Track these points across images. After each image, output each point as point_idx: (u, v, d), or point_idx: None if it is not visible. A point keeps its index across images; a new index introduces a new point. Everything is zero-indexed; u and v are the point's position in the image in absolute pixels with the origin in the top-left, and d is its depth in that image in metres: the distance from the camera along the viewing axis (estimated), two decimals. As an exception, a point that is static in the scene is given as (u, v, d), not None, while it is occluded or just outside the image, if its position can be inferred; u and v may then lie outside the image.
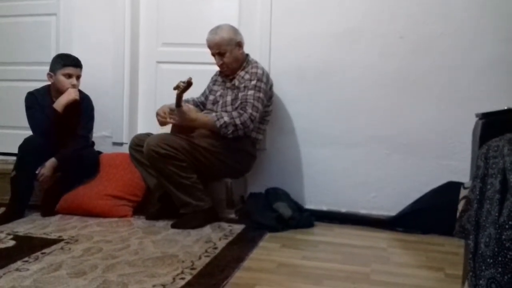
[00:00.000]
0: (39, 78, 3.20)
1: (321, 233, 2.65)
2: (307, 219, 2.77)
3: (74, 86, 2.93)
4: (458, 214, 2.31)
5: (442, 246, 2.45)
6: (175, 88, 2.48)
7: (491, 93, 2.77)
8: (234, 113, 2.66)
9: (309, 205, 3.05)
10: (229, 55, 2.82)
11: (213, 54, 2.86)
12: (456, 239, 2.28)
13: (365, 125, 2.99)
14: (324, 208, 3.02)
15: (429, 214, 2.67)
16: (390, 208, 2.88)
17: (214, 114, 2.71)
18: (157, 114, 2.82)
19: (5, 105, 3.65)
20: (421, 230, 2.66)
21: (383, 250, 2.39)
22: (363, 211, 2.98)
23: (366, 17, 2.97)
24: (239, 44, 2.86)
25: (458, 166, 2.78)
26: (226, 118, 2.63)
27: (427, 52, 2.89)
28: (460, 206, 2.38)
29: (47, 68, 2.97)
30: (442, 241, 2.51)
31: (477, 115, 2.34)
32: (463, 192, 2.43)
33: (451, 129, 2.85)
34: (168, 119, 2.73)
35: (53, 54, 3.16)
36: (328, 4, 3.03)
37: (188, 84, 2.45)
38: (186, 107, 2.61)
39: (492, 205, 1.43)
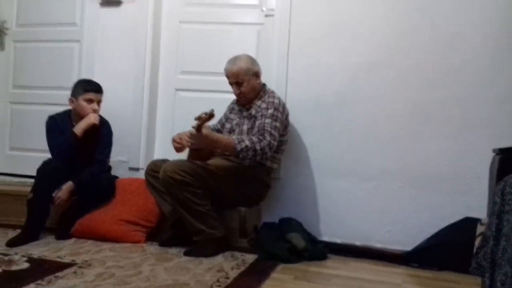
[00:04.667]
0: (60, 102, 3.27)
1: (335, 266, 2.61)
2: (320, 251, 2.73)
3: (95, 111, 2.99)
4: (474, 250, 2.28)
5: (458, 284, 2.39)
6: (196, 119, 2.50)
7: (509, 128, 2.74)
8: (254, 138, 2.67)
9: (323, 237, 3.02)
10: (247, 84, 2.86)
11: (230, 83, 2.90)
12: (473, 277, 2.25)
13: (380, 157, 2.98)
14: (338, 240, 2.99)
15: (445, 250, 2.62)
16: (405, 242, 2.83)
17: (234, 137, 2.72)
18: (173, 140, 2.84)
19: (26, 128, 3.72)
20: (437, 266, 2.61)
21: (398, 286, 2.34)
22: (378, 245, 2.94)
23: (382, 49, 3.00)
24: (257, 74, 2.90)
25: (475, 202, 2.75)
26: (247, 142, 2.63)
27: (443, 85, 2.89)
28: (477, 242, 2.34)
29: (68, 92, 3.04)
30: (458, 278, 2.46)
31: (494, 151, 2.33)
32: (480, 228, 2.40)
33: (468, 164, 2.83)
34: (185, 144, 2.74)
35: (75, 79, 3.24)
36: (344, 36, 3.07)
37: (210, 116, 2.47)
38: (206, 130, 2.61)
39: (509, 242, 1.41)
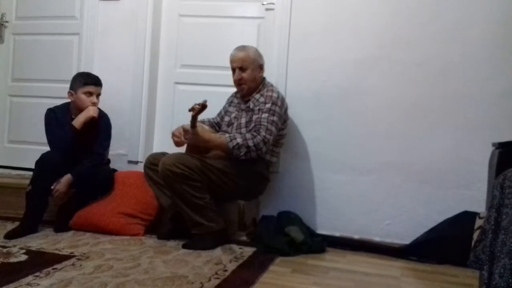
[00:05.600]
0: (60, 95, 3.26)
1: (333, 260, 2.61)
2: (319, 244, 2.74)
3: (94, 104, 2.98)
4: (473, 244, 2.28)
5: (456, 277, 2.40)
6: (190, 110, 2.51)
7: (508, 123, 2.74)
8: (248, 135, 2.68)
9: (321, 230, 3.02)
10: (250, 72, 2.86)
11: (233, 69, 2.88)
12: (471, 270, 2.26)
13: (379, 151, 2.98)
14: (337, 234, 2.99)
15: (443, 244, 2.62)
16: (404, 236, 2.84)
17: (227, 135, 2.72)
18: (173, 135, 2.85)
19: (25, 121, 3.72)
20: (435, 259, 2.61)
21: (396, 279, 2.34)
22: (376, 238, 2.95)
23: (383, 44, 2.99)
24: (261, 67, 2.92)
25: (474, 196, 2.75)
26: (239, 140, 2.64)
27: (444, 80, 2.89)
28: (475, 236, 2.34)
29: (68, 85, 3.03)
30: (457, 271, 2.46)
31: (493, 145, 2.33)
32: (478, 222, 2.40)
33: (467, 158, 2.82)
34: (182, 139, 2.76)
35: (74, 72, 3.23)
36: (345, 31, 3.06)
37: (203, 106, 2.48)
38: (201, 128, 2.63)
39: (507, 236, 1.40)
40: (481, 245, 1.65)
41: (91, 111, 2.95)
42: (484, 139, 2.66)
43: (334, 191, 3.05)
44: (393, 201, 2.95)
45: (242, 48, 2.90)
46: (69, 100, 3.04)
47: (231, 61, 2.89)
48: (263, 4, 3.31)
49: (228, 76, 3.18)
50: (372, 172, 2.99)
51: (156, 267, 2.25)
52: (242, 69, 2.85)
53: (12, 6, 3.79)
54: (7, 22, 3.80)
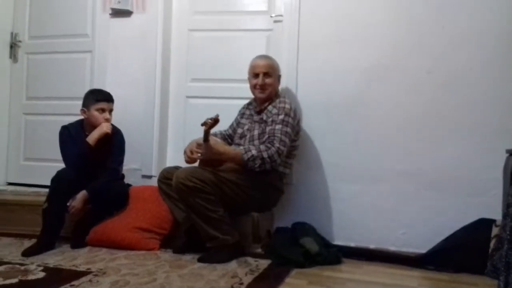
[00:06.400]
0: (73, 112, 3.30)
1: (349, 270, 2.60)
2: (334, 255, 2.72)
3: (107, 120, 3.02)
4: (490, 252, 2.25)
5: (475, 286, 2.36)
6: (202, 124, 2.53)
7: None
8: (262, 147, 2.69)
9: (336, 241, 3.00)
10: (273, 79, 2.91)
11: (257, 74, 2.90)
12: (489, 279, 2.22)
13: (393, 160, 2.96)
14: (352, 244, 2.97)
15: (460, 252, 2.58)
16: (420, 245, 2.81)
17: (241, 147, 2.73)
18: (184, 152, 2.87)
19: (40, 138, 3.77)
20: (453, 268, 2.57)
21: (413, 289, 2.33)
22: (392, 248, 2.92)
23: (394, 52, 2.99)
24: (279, 79, 2.98)
25: (490, 203, 2.71)
26: (253, 152, 2.65)
27: (456, 87, 2.87)
28: (492, 244, 2.31)
29: (81, 102, 3.06)
30: (475, 280, 2.43)
31: (507, 151, 2.31)
32: (494, 230, 2.38)
33: (482, 165, 2.79)
34: (194, 154, 2.77)
35: (87, 89, 3.25)
36: (354, 40, 3.06)
37: (215, 121, 2.50)
38: (213, 141, 2.65)
39: (525, 245, 1.39)
40: (498, 253, 1.63)
41: (104, 128, 2.98)
42: (498, 146, 2.63)
43: (348, 201, 3.04)
44: (407, 210, 2.92)
45: (266, 56, 2.99)
46: (82, 117, 3.08)
47: (255, 67, 2.92)
48: (271, 17, 3.33)
49: (238, 89, 3.21)
50: (386, 181, 2.97)
51: (172, 281, 2.25)
52: (266, 74, 2.89)
53: (24, 26, 3.87)
54: (20, 41, 3.87)
